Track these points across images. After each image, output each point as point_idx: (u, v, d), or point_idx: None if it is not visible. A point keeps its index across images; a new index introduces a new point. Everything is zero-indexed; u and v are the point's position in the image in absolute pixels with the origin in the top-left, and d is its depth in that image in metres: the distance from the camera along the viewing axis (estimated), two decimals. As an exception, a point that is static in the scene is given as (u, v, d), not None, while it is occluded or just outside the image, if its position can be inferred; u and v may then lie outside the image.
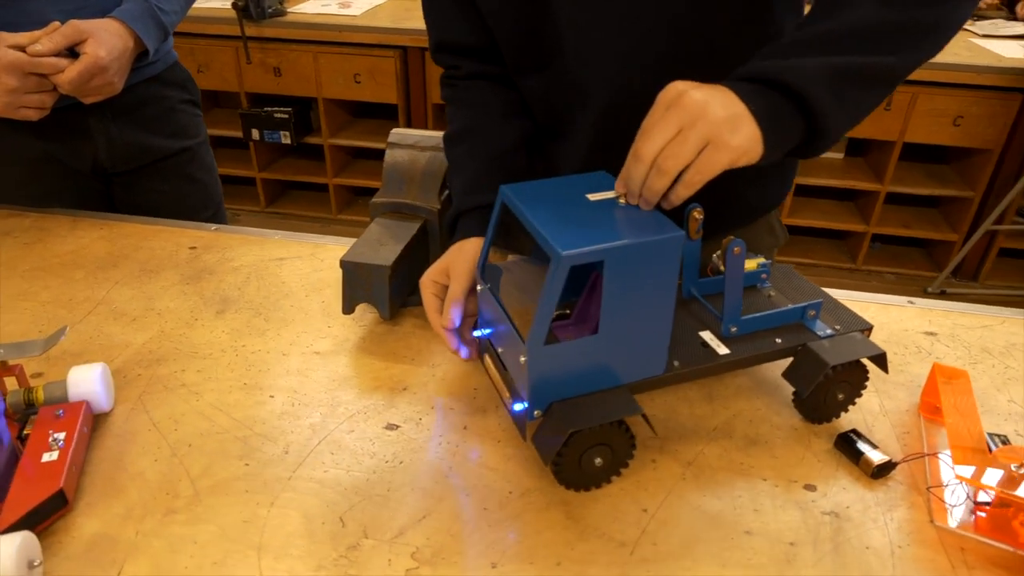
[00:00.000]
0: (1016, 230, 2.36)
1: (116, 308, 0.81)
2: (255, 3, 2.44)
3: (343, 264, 0.74)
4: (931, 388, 0.69)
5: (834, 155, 2.56)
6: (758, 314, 0.64)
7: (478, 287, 0.63)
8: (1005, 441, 0.63)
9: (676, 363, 0.60)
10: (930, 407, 0.68)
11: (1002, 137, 2.21)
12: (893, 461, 0.61)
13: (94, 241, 0.95)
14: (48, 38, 0.86)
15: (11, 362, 0.62)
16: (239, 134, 2.73)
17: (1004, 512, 0.55)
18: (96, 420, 0.64)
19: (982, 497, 0.57)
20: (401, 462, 0.61)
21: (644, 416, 0.56)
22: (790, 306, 0.65)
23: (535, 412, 0.56)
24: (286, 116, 2.63)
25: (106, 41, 0.90)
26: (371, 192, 0.83)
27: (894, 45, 0.57)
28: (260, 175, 2.87)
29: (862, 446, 0.62)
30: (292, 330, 0.78)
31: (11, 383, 0.63)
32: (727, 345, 0.63)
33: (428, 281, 0.69)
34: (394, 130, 0.89)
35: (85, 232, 0.97)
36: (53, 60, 0.86)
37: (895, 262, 2.54)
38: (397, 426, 0.65)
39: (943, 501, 0.58)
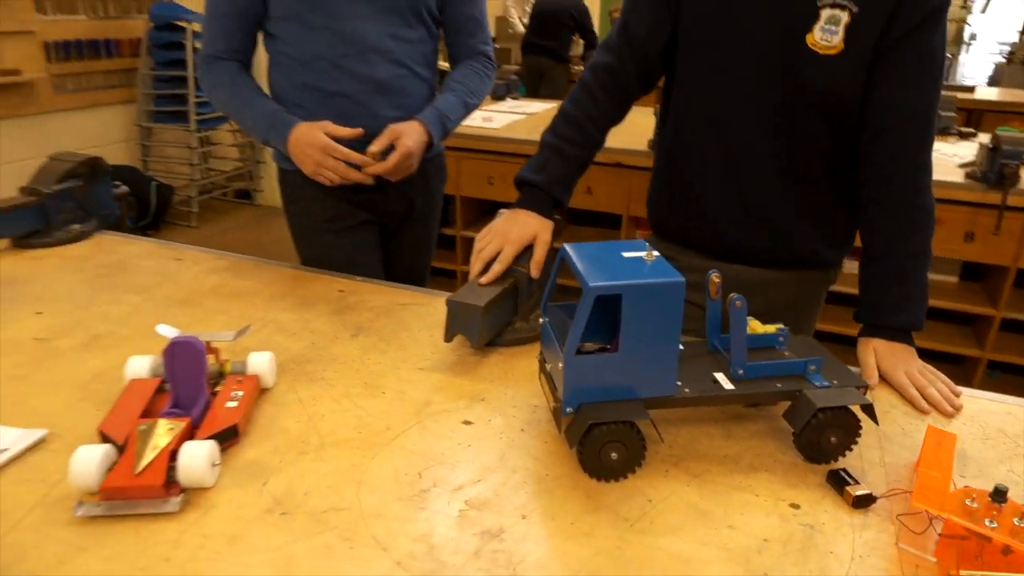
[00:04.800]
0: None
1: (283, 325, 1.08)
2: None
3: (448, 302, 0.97)
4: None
5: (948, 278, 2.55)
6: (762, 362, 0.79)
7: (540, 320, 0.83)
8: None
9: (686, 389, 0.76)
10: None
11: None
12: (873, 495, 0.72)
13: (276, 280, 1.26)
14: (377, 141, 1.24)
15: (213, 344, 0.89)
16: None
17: (967, 544, 0.65)
18: (261, 393, 0.89)
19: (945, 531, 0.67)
20: (469, 446, 0.80)
21: (652, 422, 0.72)
22: (793, 359, 0.80)
23: (567, 409, 0.74)
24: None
25: (414, 137, 1.27)
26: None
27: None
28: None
29: (848, 480, 0.74)
30: (404, 352, 1.01)
31: (211, 359, 0.90)
32: (733, 384, 0.78)
33: (480, 241, 1.07)
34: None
35: (272, 272, 1.28)
36: (357, 156, 1.23)
37: (1015, 392, 2.42)
38: (471, 423, 0.85)
39: (908, 527, 0.68)
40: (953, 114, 2.98)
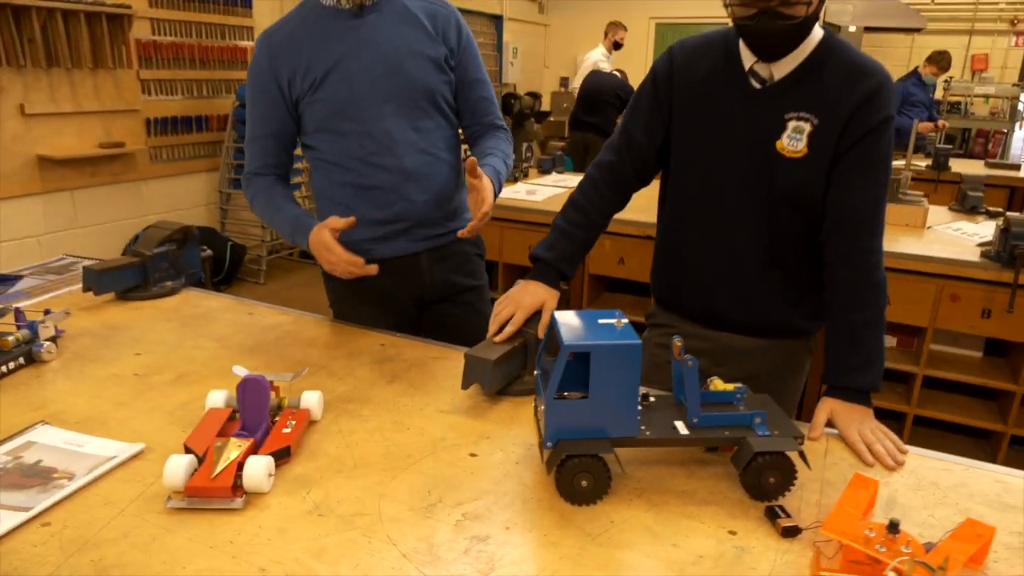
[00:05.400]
0: None
1: (332, 371, 1.30)
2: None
3: (465, 356, 1.16)
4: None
5: (972, 353, 2.60)
6: (715, 413, 0.95)
7: (535, 372, 1.02)
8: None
9: (648, 432, 0.93)
10: (854, 506, 0.92)
11: None
12: (800, 527, 0.87)
13: (330, 333, 1.48)
14: (471, 162, 1.28)
15: (275, 383, 1.11)
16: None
17: (864, 568, 0.79)
18: (311, 424, 1.10)
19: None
20: (472, 472, 0.98)
21: (616, 456, 0.89)
22: (742, 412, 0.96)
23: (548, 443, 0.91)
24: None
25: (489, 187, 1.35)
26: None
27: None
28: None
29: (780, 514, 0.88)
30: (430, 397, 1.21)
31: (273, 395, 1.11)
32: (689, 430, 0.94)
33: (497, 306, 1.25)
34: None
35: (328, 327, 1.51)
36: (348, 257, 1.32)
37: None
38: (476, 455, 1.03)
39: (822, 552, 0.83)
40: (980, 194, 3.07)
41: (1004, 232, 2.26)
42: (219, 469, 0.91)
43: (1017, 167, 4.71)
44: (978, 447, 2.62)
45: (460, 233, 1.36)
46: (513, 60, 8.02)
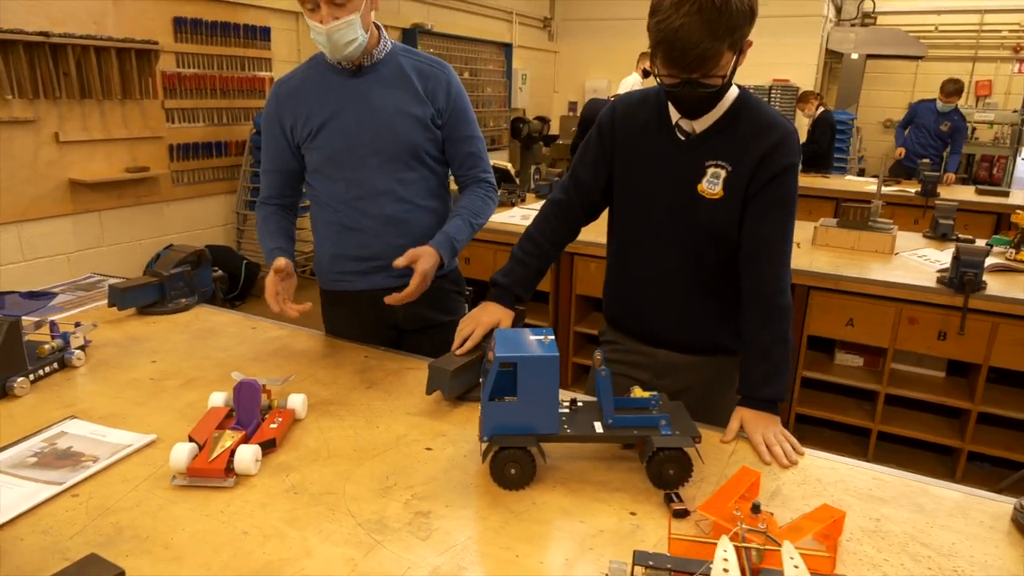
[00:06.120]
0: None
1: (318, 378, 1.50)
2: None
3: (429, 366, 1.36)
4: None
5: (934, 373, 2.75)
6: (627, 415, 1.14)
7: (480, 379, 1.21)
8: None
9: (568, 430, 1.12)
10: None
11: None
12: (688, 510, 1.04)
13: (322, 346, 1.69)
14: (400, 260, 1.49)
15: (267, 387, 1.31)
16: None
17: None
18: (295, 422, 1.30)
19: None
20: (425, 463, 1.18)
21: (540, 449, 1.08)
22: (650, 415, 1.14)
23: (484, 438, 1.10)
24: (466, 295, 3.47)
25: (429, 261, 1.52)
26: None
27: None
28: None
29: (675, 499, 1.06)
30: (399, 401, 1.40)
31: (264, 397, 1.31)
32: (604, 429, 1.13)
33: (462, 324, 1.43)
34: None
35: (320, 340, 1.72)
36: (272, 299, 1.49)
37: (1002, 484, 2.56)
38: (431, 449, 1.22)
39: (700, 528, 1.00)
40: (951, 221, 3.22)
41: (956, 259, 2.41)
42: (215, 455, 1.11)
43: (1005, 193, 4.83)
44: (941, 463, 2.76)
45: (386, 299, 1.52)
46: (522, 86, 8.28)
